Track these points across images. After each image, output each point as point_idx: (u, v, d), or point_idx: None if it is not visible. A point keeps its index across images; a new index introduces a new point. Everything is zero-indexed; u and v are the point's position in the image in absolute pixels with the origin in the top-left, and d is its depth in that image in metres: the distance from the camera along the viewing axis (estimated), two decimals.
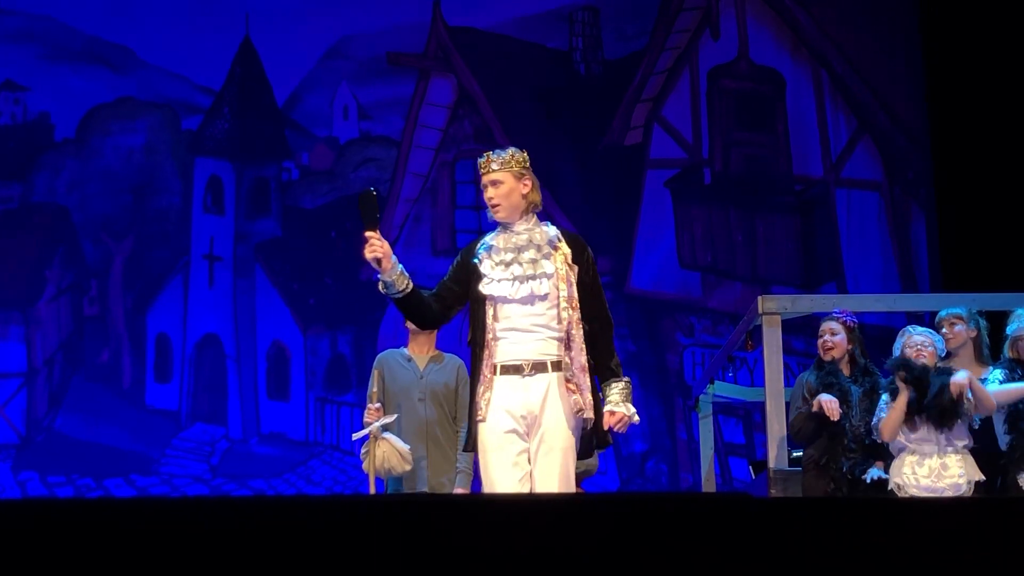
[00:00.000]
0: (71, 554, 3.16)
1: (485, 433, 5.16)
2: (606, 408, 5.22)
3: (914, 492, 6.33)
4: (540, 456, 5.13)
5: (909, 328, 6.69)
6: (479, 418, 5.16)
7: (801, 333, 9.75)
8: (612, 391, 5.26)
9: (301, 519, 3.24)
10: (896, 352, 6.58)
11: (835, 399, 6.61)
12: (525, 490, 5.13)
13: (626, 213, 10.83)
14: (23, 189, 10.65)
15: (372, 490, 6.33)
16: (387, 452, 6.31)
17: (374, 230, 5.13)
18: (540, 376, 5.14)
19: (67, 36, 10.78)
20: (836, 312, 6.96)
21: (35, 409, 10.38)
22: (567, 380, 5.16)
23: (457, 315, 5.62)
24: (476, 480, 6.95)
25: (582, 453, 5.27)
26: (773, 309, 7.37)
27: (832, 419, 6.58)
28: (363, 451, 6.42)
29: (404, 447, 6.35)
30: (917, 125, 10.82)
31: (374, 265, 5.14)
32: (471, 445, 5.27)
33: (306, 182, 10.83)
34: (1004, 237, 9.97)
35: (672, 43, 11.02)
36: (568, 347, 5.17)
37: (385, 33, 10.93)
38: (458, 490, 6.63)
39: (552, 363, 5.15)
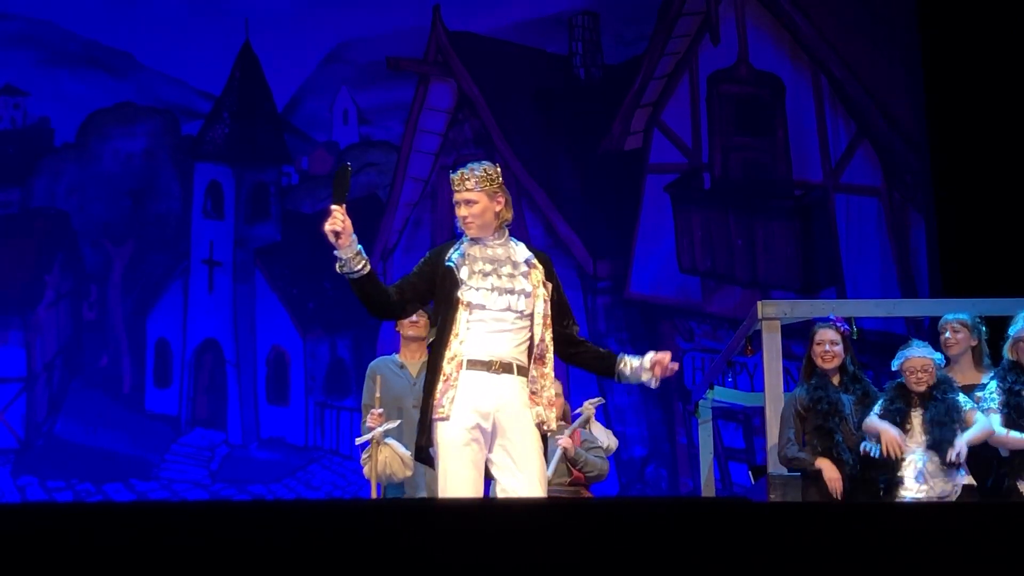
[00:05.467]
0: (70, 559, 3.16)
1: (447, 430, 5.13)
2: (645, 360, 5.30)
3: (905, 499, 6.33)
4: (510, 453, 5.14)
5: (910, 350, 6.58)
6: (440, 416, 5.13)
7: (801, 338, 9.72)
8: (627, 356, 5.36)
9: (300, 524, 3.24)
10: (895, 364, 6.55)
11: (839, 478, 6.58)
12: (480, 490, 5.14)
13: (626, 218, 10.83)
14: (23, 194, 10.66)
15: (374, 495, 6.33)
16: (389, 458, 6.30)
17: (340, 205, 5.12)
18: (506, 376, 5.18)
19: (67, 41, 10.79)
20: (832, 318, 6.92)
21: (35, 414, 10.38)
22: (531, 392, 5.21)
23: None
24: None
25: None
26: (773, 314, 7.37)
27: (835, 493, 6.57)
28: (364, 456, 6.42)
29: (406, 453, 6.35)
30: (916, 130, 10.83)
31: (330, 239, 5.13)
32: (424, 442, 5.20)
33: (306, 187, 10.83)
34: (1003, 242, 9.97)
35: (672, 48, 11.02)
36: (540, 362, 5.25)
37: (385, 38, 10.94)
38: None
39: (518, 367, 5.21)
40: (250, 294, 10.67)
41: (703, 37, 11.04)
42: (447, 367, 5.16)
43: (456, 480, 5.10)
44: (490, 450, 5.16)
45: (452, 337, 5.18)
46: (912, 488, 6.35)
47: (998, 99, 10.16)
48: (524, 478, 5.13)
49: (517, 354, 5.21)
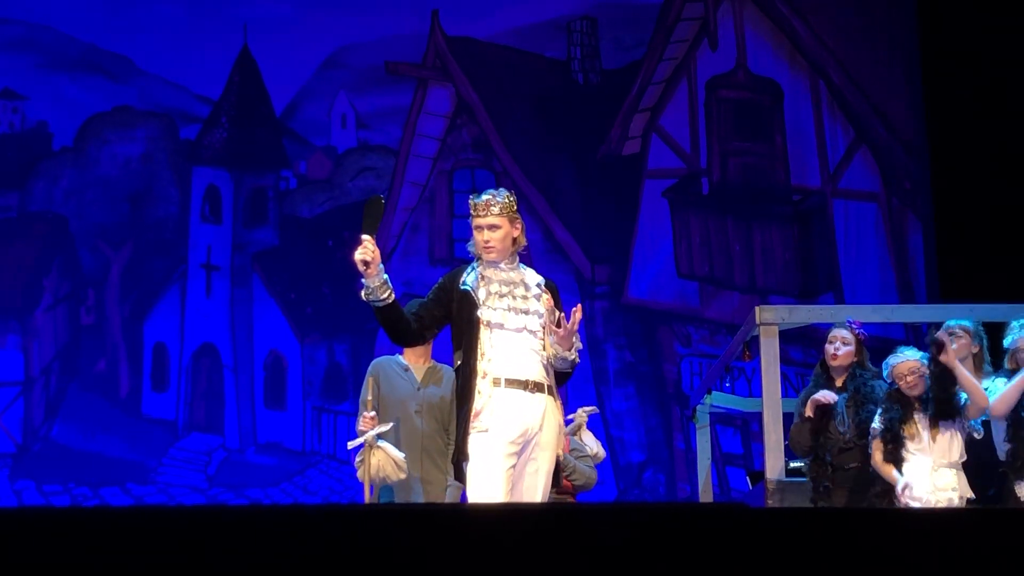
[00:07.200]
0: (67, 563, 3.16)
1: (485, 442, 5.24)
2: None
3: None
4: (528, 473, 5.31)
5: (897, 355, 6.57)
6: (481, 428, 5.25)
7: (798, 343, 9.75)
8: None
9: (297, 529, 3.24)
10: (885, 372, 6.55)
11: (828, 392, 6.67)
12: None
13: (624, 223, 10.83)
14: (21, 198, 10.65)
15: (367, 499, 6.31)
16: (382, 461, 6.29)
17: (371, 235, 5.23)
18: (539, 395, 5.33)
19: (66, 45, 10.79)
20: (849, 321, 6.95)
21: (32, 418, 10.37)
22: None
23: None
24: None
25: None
26: (770, 319, 7.38)
27: (827, 403, 6.65)
28: (358, 460, 6.40)
29: (399, 455, 6.32)
30: (914, 135, 10.83)
31: (359, 267, 5.26)
32: (460, 457, 5.33)
33: (304, 191, 10.83)
34: (1001, 247, 9.97)
35: (670, 53, 11.02)
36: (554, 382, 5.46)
37: (383, 42, 10.94)
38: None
39: (548, 387, 5.37)
40: (248, 298, 10.67)
41: (701, 42, 11.05)
42: (481, 384, 5.30)
43: (489, 490, 5.18)
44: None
45: (479, 358, 5.32)
46: (919, 498, 6.33)
47: (997, 105, 10.17)
48: (528, 486, 5.29)
49: (544, 374, 5.37)
